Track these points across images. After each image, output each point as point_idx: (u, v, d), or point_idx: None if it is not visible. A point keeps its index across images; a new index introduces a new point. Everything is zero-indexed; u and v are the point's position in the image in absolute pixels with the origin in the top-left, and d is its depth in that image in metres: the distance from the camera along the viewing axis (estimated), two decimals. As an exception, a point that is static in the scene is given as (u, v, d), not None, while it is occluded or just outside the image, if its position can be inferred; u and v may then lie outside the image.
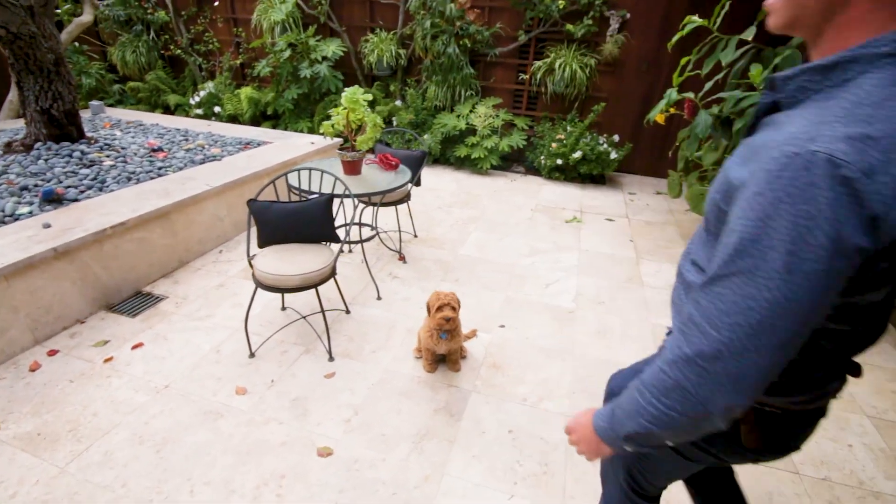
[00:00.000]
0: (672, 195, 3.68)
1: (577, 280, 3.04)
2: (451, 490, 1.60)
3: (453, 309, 1.98)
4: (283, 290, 2.03)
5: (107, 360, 2.11)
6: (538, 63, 4.96)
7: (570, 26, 4.76)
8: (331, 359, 2.19)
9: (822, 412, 0.80)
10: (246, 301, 2.56)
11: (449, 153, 5.24)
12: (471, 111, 5.18)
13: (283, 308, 2.56)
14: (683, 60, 3.00)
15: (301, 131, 5.62)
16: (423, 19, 4.89)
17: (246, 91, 5.84)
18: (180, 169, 3.47)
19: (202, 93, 6.07)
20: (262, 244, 2.22)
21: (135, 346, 2.21)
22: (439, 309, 1.96)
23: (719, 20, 2.84)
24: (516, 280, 3.01)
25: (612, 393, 1.10)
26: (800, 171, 0.51)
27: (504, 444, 1.79)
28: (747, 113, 2.69)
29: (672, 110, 3.23)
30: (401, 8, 5.29)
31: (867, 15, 0.56)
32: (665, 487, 1.10)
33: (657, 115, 3.24)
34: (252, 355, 2.18)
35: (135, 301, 2.56)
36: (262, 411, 1.88)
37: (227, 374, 2.07)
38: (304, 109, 5.87)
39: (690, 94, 3.14)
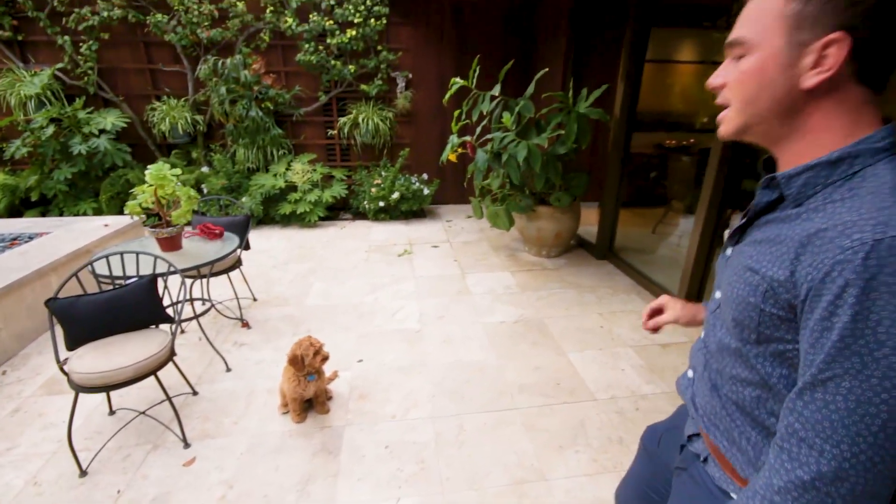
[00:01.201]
0: (477, 216, 4.44)
1: (418, 303, 3.44)
2: (345, 516, 1.72)
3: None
4: (113, 388, 1.86)
5: None
6: (343, 119, 5.41)
7: (364, 86, 5.36)
8: (186, 445, 2.06)
9: None
10: (57, 419, 2.21)
11: (273, 212, 5.23)
12: (287, 169, 5.29)
13: (112, 412, 2.27)
14: (456, 112, 3.77)
15: (83, 214, 4.87)
16: (217, 86, 4.86)
17: (-5, 177, 4.81)
18: (-83, 286, 2.73)
19: (-77, 187, 4.76)
20: (71, 346, 1.97)
21: None
22: (318, 353, 2.10)
23: (475, 80, 3.67)
24: (365, 316, 3.24)
25: (646, 448, 1.08)
26: (888, 255, 0.48)
27: (383, 459, 1.99)
28: (510, 147, 3.52)
29: (459, 150, 3.98)
30: (189, 75, 5.15)
31: (830, 126, 0.59)
32: None
33: (449, 155, 3.95)
34: (84, 473, 1.90)
35: None
36: (115, 526, 1.68)
37: (57, 502, 1.77)
38: (84, 189, 5.12)
39: (468, 137, 3.93)
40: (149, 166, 2.35)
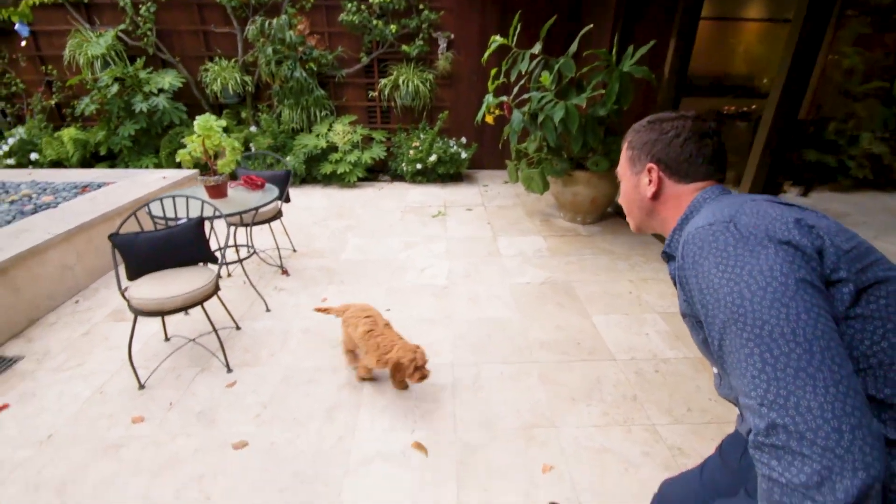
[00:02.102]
0: (512, 181, 4.41)
1: (448, 262, 3.51)
2: (364, 440, 1.88)
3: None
4: (166, 313, 2.08)
5: (-39, 434, 1.91)
6: (384, 81, 5.43)
7: (405, 47, 5.33)
8: (229, 371, 2.28)
9: None
10: (120, 343, 2.48)
11: (315, 171, 5.41)
12: (329, 130, 5.43)
13: (167, 339, 2.53)
14: (493, 71, 3.69)
15: (145, 168, 5.25)
16: (264, 46, 5.00)
17: (69, 132, 5.26)
18: (8, 223, 3.11)
19: (10, 140, 5.28)
20: (132, 276, 2.21)
21: (-4, 411, 2.03)
22: (418, 369, 1.95)
23: (515, 39, 3.57)
24: (396, 272, 3.36)
25: (661, 500, 1.17)
26: (690, 241, 0.74)
27: (403, 397, 2.12)
28: (547, 108, 3.44)
29: (496, 111, 3.93)
30: (238, 36, 5.32)
31: (670, 210, 0.92)
32: None
33: (486, 116, 3.91)
34: (142, 387, 2.16)
35: (-21, 370, 2.29)
36: (167, 431, 1.92)
37: (119, 409, 2.04)
38: (146, 145, 5.49)
39: (505, 98, 3.86)
40: (197, 117, 2.51)
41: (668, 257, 0.91)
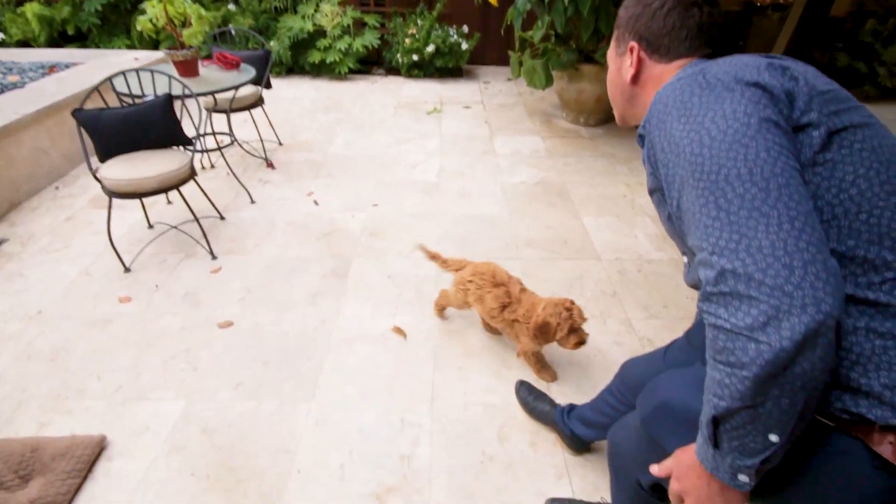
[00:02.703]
0: (515, 76, 4.08)
1: (440, 159, 3.37)
2: (346, 324, 1.93)
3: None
4: (142, 195, 2.02)
5: (-46, 306, 1.96)
6: (376, -49, 4.77)
7: None
8: (214, 258, 2.28)
9: None
10: (103, 228, 2.43)
11: (302, 60, 5.00)
12: (315, 10, 4.90)
13: (150, 226, 2.51)
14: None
15: (118, 49, 4.84)
16: None
17: (32, 7, 4.76)
18: (-30, 101, 2.92)
19: (-34, 13, 4.80)
20: (103, 157, 2.11)
21: (-16, 288, 2.06)
22: (575, 331, 1.49)
23: None
24: (386, 167, 3.24)
25: (624, 377, 1.17)
26: (654, 105, 0.69)
27: (386, 286, 2.14)
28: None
29: (501, -10, 3.48)
30: None
31: (650, 93, 0.82)
32: None
33: (487, -6, 3.47)
34: (128, 270, 2.18)
35: (-35, 249, 2.30)
36: (154, 309, 1.97)
37: (105, 289, 2.07)
38: (117, 24, 5.02)
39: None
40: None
41: (643, 140, 0.81)
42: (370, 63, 5.40)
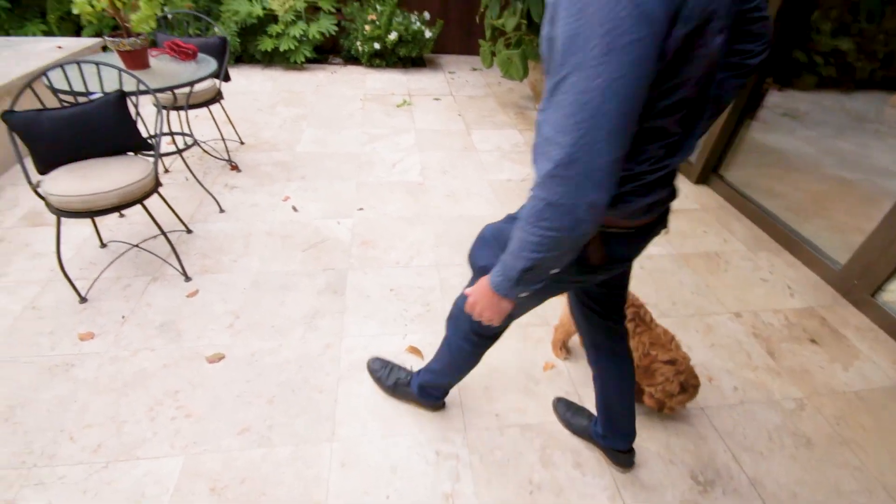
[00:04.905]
0: (486, 66, 3.96)
1: (420, 156, 3.21)
2: (354, 346, 1.77)
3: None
4: (97, 213, 1.72)
5: None
6: (330, -70, 4.43)
7: None
8: (187, 279, 2.01)
9: (652, 227, 0.89)
10: (44, 249, 2.11)
11: (252, 48, 4.59)
12: (265, -7, 4.49)
13: (103, 245, 2.17)
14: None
15: (32, 36, 4.19)
16: None
17: (-89, -19, 3.98)
18: None
19: None
20: (42, 168, 1.77)
21: None
22: (687, 389, 1.40)
23: None
24: (364, 167, 3.03)
25: (483, 236, 1.13)
26: None
27: (390, 301, 1.99)
28: (535, -28, 2.94)
29: (473, -25, 3.33)
30: None
31: None
32: (507, 326, 1.15)
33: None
34: (84, 299, 1.87)
35: None
36: (125, 346, 1.70)
37: (60, 325, 1.76)
38: (29, 7, 4.33)
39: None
40: (94, -50, 1.87)
41: None
42: (326, 52, 5.07)
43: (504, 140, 3.53)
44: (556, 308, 1.95)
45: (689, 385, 1.42)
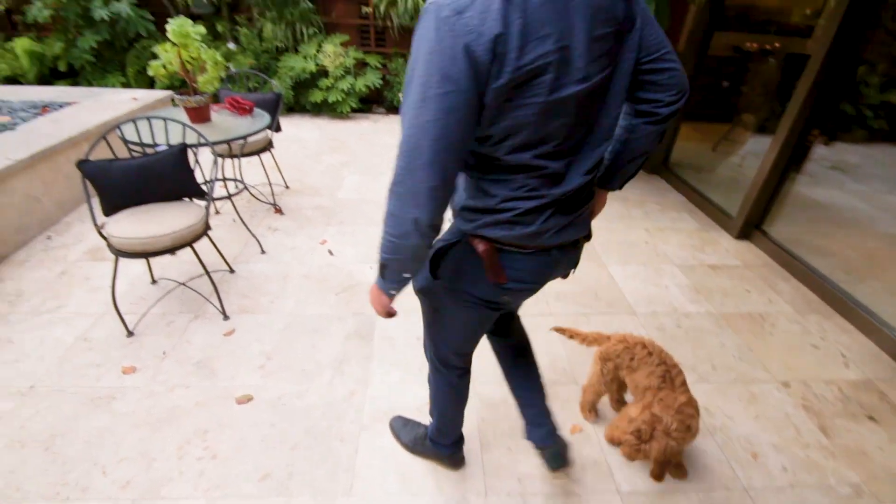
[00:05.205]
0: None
1: (453, 203, 3.29)
2: (378, 394, 1.77)
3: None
4: (152, 254, 1.85)
5: (-69, 382, 1.73)
6: (380, -5, 4.82)
7: (405, -46, 4.67)
8: (226, 318, 2.11)
9: (547, 252, 0.93)
10: (102, 283, 2.27)
11: (303, 99, 4.95)
12: (318, 51, 4.89)
13: (154, 281, 2.32)
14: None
15: (112, 87, 4.71)
16: (242, -55, 4.33)
17: (22, 43, 4.63)
18: (-43, 145, 2.73)
19: (-48, 48, 4.63)
20: (108, 211, 1.95)
21: (-33, 359, 1.84)
22: (687, 432, 1.34)
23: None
24: (398, 212, 3.13)
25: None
26: (423, 18, 0.68)
27: (415, 349, 2.00)
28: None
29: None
30: (212, -69, 4.58)
31: None
32: (466, 353, 1.23)
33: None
34: (131, 334, 1.99)
35: (-56, 311, 2.07)
36: (163, 382, 1.77)
37: (107, 358, 1.87)
38: (111, 61, 4.90)
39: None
40: (169, 20, 2.12)
41: None
42: (371, 101, 5.39)
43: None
44: (585, 366, 1.89)
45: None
